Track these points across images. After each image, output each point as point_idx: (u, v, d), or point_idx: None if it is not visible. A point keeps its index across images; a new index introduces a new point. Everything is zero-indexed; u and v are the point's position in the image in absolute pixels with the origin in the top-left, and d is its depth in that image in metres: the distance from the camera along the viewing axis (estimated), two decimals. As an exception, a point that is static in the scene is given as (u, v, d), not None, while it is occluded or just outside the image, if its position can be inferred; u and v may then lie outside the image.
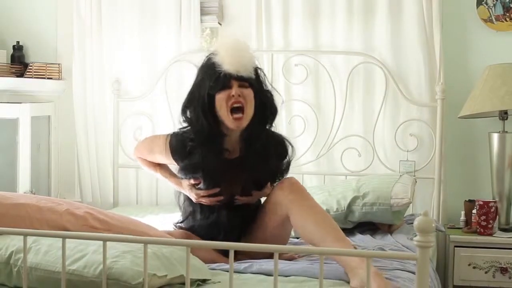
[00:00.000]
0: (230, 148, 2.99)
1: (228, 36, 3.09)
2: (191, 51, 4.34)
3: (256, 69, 2.99)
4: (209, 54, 2.98)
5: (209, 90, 2.90)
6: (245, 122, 2.92)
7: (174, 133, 3.09)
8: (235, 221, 3.02)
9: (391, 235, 3.55)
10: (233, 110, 2.89)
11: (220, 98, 2.89)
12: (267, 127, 3.06)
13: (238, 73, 2.87)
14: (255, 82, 2.95)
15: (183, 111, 3.01)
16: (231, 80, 2.88)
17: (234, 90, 2.87)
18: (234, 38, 3.04)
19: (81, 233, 2.35)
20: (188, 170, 3.02)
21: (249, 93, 2.91)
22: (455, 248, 3.90)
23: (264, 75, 3.06)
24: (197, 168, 2.97)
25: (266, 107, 3.01)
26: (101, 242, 2.02)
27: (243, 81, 2.90)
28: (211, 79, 2.90)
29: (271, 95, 3.05)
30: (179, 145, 3.02)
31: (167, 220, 3.53)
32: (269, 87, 3.05)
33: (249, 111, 2.92)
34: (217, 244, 2.48)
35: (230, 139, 2.98)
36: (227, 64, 2.87)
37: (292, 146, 3.15)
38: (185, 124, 3.04)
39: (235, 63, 2.87)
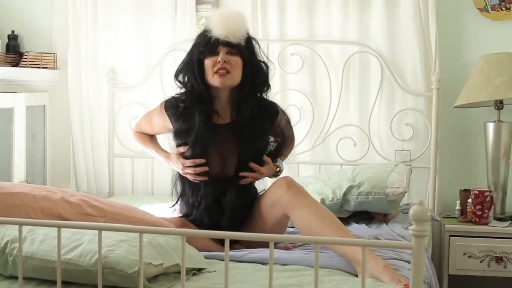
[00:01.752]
0: (220, 111, 3.08)
1: (228, 8, 3.22)
2: (186, 40, 4.31)
3: (248, 38, 3.08)
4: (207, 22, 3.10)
5: (198, 55, 3.03)
6: (229, 81, 3.01)
7: (169, 98, 3.21)
8: (240, 202, 3.06)
9: (386, 224, 3.56)
10: (218, 71, 3.01)
11: (208, 63, 3.02)
12: (258, 96, 3.14)
13: (227, 38, 2.97)
14: (244, 50, 3.03)
15: (177, 75, 3.14)
16: (218, 46, 2.99)
17: (221, 55, 2.99)
18: (231, 9, 3.20)
19: (76, 222, 2.35)
20: (180, 133, 3.10)
21: (236, 60, 3.01)
22: (451, 237, 3.90)
23: (259, 46, 3.15)
24: (188, 130, 3.05)
25: (256, 75, 3.09)
26: (96, 231, 2.02)
27: (231, 47, 2.99)
28: (201, 44, 3.03)
29: (264, 65, 3.13)
30: (173, 104, 3.13)
31: (163, 209, 3.54)
32: (263, 58, 3.14)
33: (235, 74, 3.02)
34: (212, 233, 2.47)
35: (219, 102, 3.08)
36: (216, 29, 2.98)
37: (285, 114, 3.24)
38: (178, 89, 3.17)
39: (224, 28, 2.97)
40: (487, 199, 3.88)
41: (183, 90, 3.14)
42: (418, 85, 4.15)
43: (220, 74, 2.99)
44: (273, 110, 3.19)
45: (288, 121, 3.28)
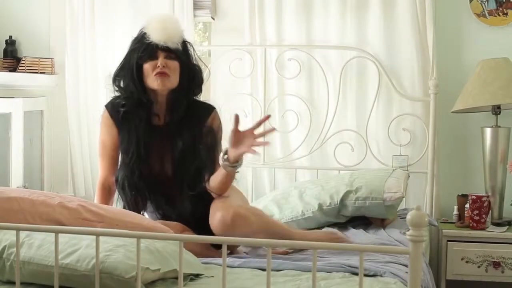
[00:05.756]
0: (159, 113, 3.15)
1: (161, 12, 3.28)
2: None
3: (184, 43, 3.16)
4: (142, 28, 3.16)
5: (137, 60, 3.09)
6: (169, 83, 3.08)
7: (108, 102, 3.26)
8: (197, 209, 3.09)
9: (384, 229, 3.56)
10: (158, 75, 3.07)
11: (147, 67, 3.08)
12: (192, 98, 3.20)
13: (165, 44, 3.06)
14: (182, 54, 3.11)
15: (114, 80, 3.20)
16: (157, 51, 3.07)
17: (160, 60, 3.06)
18: (165, 13, 3.26)
19: (74, 227, 2.35)
20: (123, 138, 3.13)
21: (174, 64, 3.09)
22: (448, 242, 3.90)
23: (193, 49, 3.22)
24: (130, 134, 3.10)
25: (192, 79, 3.16)
26: (94, 236, 2.02)
27: (169, 52, 3.08)
28: (139, 49, 3.09)
29: (199, 69, 3.21)
30: (114, 106, 3.19)
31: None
32: (197, 61, 3.22)
33: (173, 77, 3.09)
34: (210, 239, 2.47)
35: (158, 104, 3.13)
36: (155, 35, 3.06)
37: (216, 114, 3.24)
38: (117, 93, 3.22)
39: (162, 34, 3.06)
40: (485, 204, 3.88)
41: (119, 95, 3.20)
42: (416, 90, 4.16)
43: (160, 76, 3.05)
44: (205, 110, 3.21)
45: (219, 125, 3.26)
